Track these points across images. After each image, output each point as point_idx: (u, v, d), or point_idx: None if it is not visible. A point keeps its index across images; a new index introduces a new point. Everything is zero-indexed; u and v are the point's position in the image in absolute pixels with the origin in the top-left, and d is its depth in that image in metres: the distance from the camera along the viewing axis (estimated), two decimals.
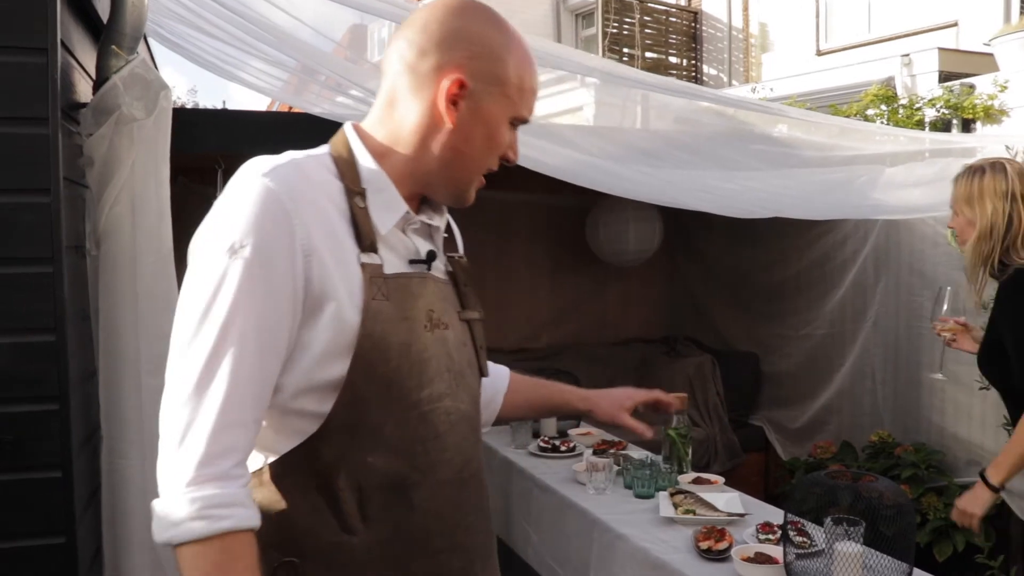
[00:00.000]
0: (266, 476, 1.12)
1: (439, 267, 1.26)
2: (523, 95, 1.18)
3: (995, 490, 2.28)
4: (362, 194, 1.14)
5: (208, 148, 2.86)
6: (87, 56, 2.06)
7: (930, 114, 6.70)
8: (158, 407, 1.05)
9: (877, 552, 1.90)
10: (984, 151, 3.68)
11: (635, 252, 4.95)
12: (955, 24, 9.14)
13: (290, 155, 1.13)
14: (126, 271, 1.98)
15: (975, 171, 2.42)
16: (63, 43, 1.76)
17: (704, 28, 12.21)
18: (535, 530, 2.90)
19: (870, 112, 6.91)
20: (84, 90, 2.02)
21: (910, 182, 3.61)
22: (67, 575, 1.75)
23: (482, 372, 1.31)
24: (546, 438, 3.24)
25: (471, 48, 1.14)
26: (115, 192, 1.94)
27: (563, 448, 3.15)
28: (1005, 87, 6.36)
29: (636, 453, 3.05)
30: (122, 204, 1.95)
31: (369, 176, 1.16)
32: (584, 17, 13.46)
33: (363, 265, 1.11)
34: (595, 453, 3.00)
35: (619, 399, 1.66)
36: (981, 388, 3.23)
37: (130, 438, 2.00)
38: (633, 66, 11.02)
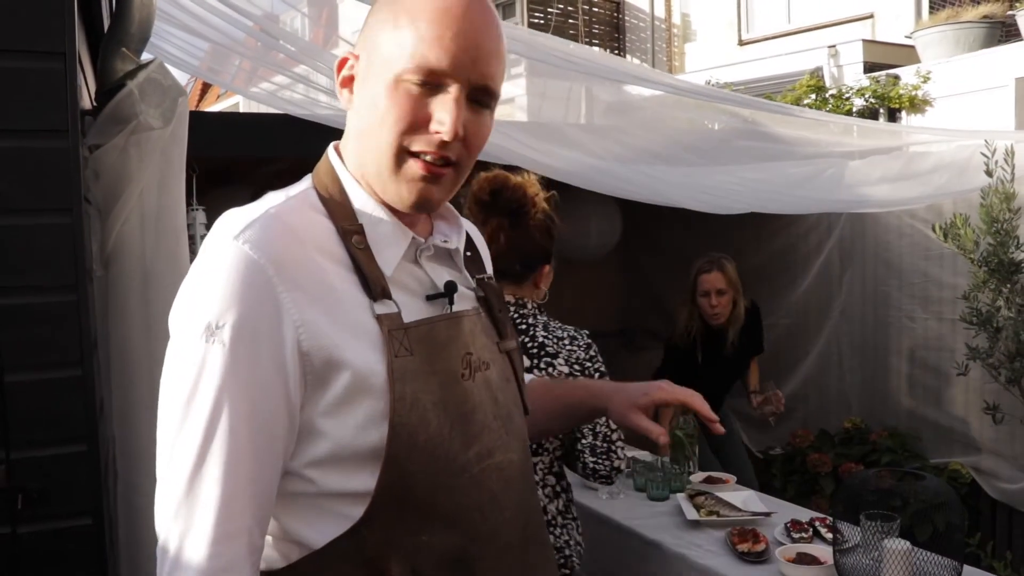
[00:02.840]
0: (303, 572, 0.97)
1: (468, 295, 1.10)
2: (413, 42, 0.94)
3: None
4: (359, 231, 0.99)
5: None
6: (86, 60, 1.89)
7: (858, 103, 6.94)
8: None
9: (923, 550, 1.93)
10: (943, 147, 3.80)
11: (596, 246, 4.96)
12: (871, 16, 9.49)
13: (267, 203, 0.98)
14: (137, 294, 1.83)
15: None
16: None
17: (627, 18, 12.31)
18: None
19: (804, 102, 7.11)
20: (85, 98, 1.85)
21: (875, 176, 3.71)
22: None
23: (526, 409, 1.16)
24: None
25: (364, 25, 1.02)
26: (126, 209, 1.78)
27: None
28: (928, 78, 6.64)
29: (637, 454, 3.03)
30: (133, 221, 1.80)
31: (362, 207, 1.01)
32: (506, 7, 13.40)
33: (379, 317, 0.96)
34: None
35: (633, 396, 1.28)
36: (959, 374, 3.34)
37: (145, 471, 1.85)
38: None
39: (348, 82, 1.01)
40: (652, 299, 5.56)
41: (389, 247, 1.00)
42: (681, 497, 2.52)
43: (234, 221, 0.94)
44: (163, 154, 1.78)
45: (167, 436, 0.92)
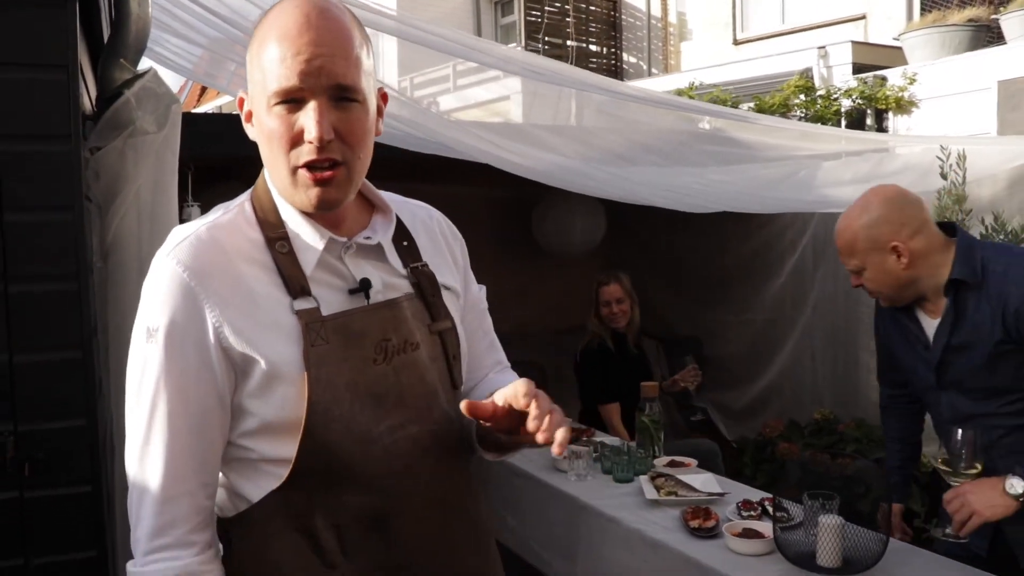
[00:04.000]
0: (248, 520, 1.16)
1: (399, 283, 1.23)
2: (268, 69, 1.07)
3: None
4: (284, 238, 1.15)
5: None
6: (87, 68, 2.05)
7: (846, 104, 7.08)
8: None
9: (855, 525, 2.09)
10: (915, 149, 3.95)
11: (580, 243, 5.11)
12: (863, 17, 9.58)
13: (206, 219, 1.16)
14: (134, 284, 1.99)
15: None
16: None
17: (624, 17, 12.40)
18: (512, 514, 3.02)
19: (792, 102, 7.25)
20: (86, 104, 2.01)
21: (846, 178, 3.86)
22: None
23: (454, 384, 1.26)
24: None
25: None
26: (123, 206, 1.95)
27: None
28: (914, 80, 6.77)
29: (608, 439, 3.20)
30: (130, 217, 1.96)
31: (287, 216, 1.16)
32: (503, 5, 13.51)
33: (298, 312, 1.12)
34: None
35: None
36: None
37: None
38: (561, 55, 11.20)
39: (248, 117, 1.16)
40: (638, 297, 5.71)
41: (308, 249, 1.15)
42: (643, 479, 2.68)
43: (171, 239, 1.13)
44: (157, 156, 1.95)
45: (127, 417, 1.13)
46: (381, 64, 11.87)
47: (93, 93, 2.10)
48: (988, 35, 7.20)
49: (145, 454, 1.10)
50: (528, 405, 1.09)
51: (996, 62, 6.34)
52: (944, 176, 3.08)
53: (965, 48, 6.99)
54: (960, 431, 1.93)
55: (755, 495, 2.59)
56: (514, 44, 11.30)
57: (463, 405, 1.12)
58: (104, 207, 1.97)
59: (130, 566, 1.12)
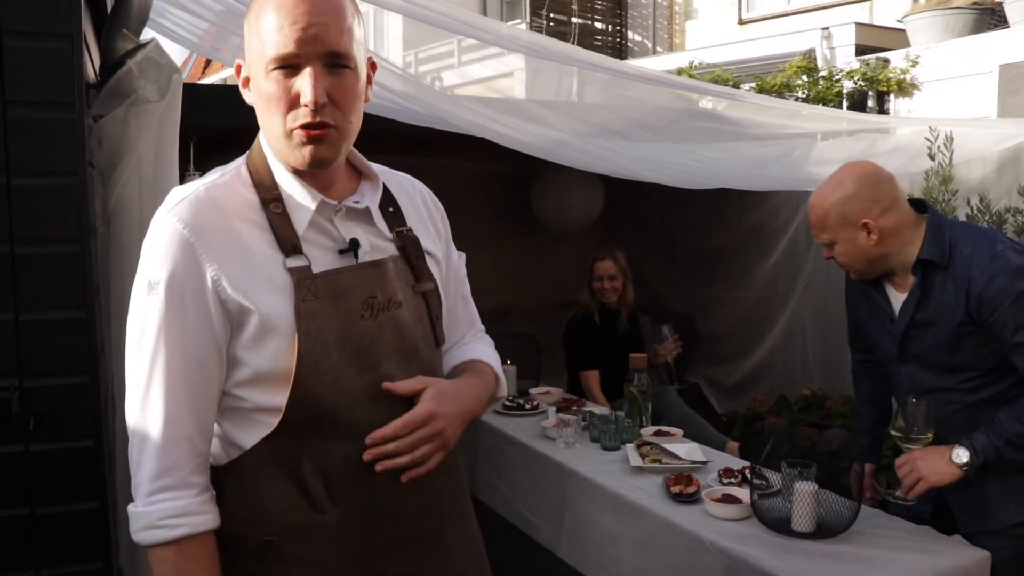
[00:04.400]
0: (240, 467, 1.23)
1: (385, 245, 1.30)
2: (266, 38, 1.15)
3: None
4: (278, 199, 1.22)
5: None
6: (91, 38, 2.10)
7: (848, 86, 7.09)
8: None
9: (827, 491, 2.17)
10: (907, 131, 3.99)
11: (578, 219, 5.17)
12: None
13: (199, 183, 1.23)
14: (136, 248, 2.05)
15: None
16: None
17: None
18: (504, 482, 3.11)
19: (793, 82, 7.26)
20: (90, 72, 2.07)
21: (840, 157, 3.90)
22: (100, 537, 1.85)
23: (437, 342, 1.35)
24: (510, 397, 3.44)
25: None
26: (125, 172, 2.00)
27: (528, 406, 3.36)
28: (916, 62, 6.78)
29: (597, 409, 3.28)
30: (132, 184, 2.02)
31: (281, 179, 1.24)
32: None
33: (290, 270, 1.19)
34: (559, 410, 3.21)
35: None
36: None
37: None
38: (565, 32, 11.18)
39: (246, 83, 1.23)
40: (634, 273, 5.77)
41: (301, 210, 1.23)
42: (629, 447, 2.76)
43: (171, 198, 1.21)
44: (159, 124, 2.00)
45: (127, 369, 1.21)
46: (385, 40, 11.86)
47: (96, 62, 2.16)
48: (991, 19, 7.19)
49: (146, 402, 1.18)
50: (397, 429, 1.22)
51: (998, 46, 6.35)
52: (932, 157, 3.13)
53: (968, 31, 6.99)
54: (915, 401, 2.03)
55: (737, 464, 2.67)
56: (519, 21, 11.27)
57: (385, 385, 1.23)
58: (106, 173, 2.03)
59: (132, 507, 1.19)
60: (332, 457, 1.22)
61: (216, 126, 3.08)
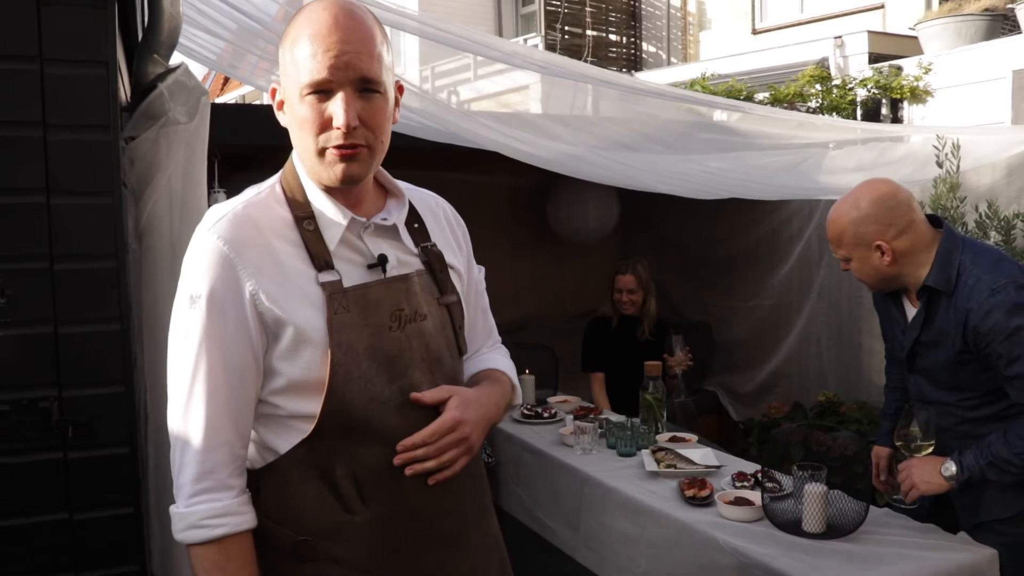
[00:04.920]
0: (276, 470, 1.31)
1: (411, 260, 1.37)
2: (301, 64, 1.22)
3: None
4: (310, 217, 1.30)
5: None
6: (122, 62, 2.20)
7: (861, 93, 7.12)
8: None
9: (838, 491, 2.22)
10: (916, 139, 4.03)
11: (594, 230, 5.23)
12: (882, 6, 9.54)
13: (241, 198, 1.31)
14: (167, 263, 2.15)
15: None
16: None
17: (643, 6, 12.42)
18: (523, 489, 3.17)
19: (806, 91, 7.30)
20: (122, 96, 2.17)
21: (850, 166, 3.95)
22: (136, 540, 1.93)
23: (460, 351, 1.43)
24: (528, 406, 3.50)
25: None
26: (156, 191, 2.10)
27: (546, 415, 3.42)
28: (929, 69, 6.80)
29: (613, 416, 3.34)
30: (162, 202, 2.11)
31: (313, 197, 1.32)
32: None
33: (322, 284, 1.27)
34: (576, 418, 3.27)
35: None
36: None
37: None
38: (580, 45, 11.28)
39: (280, 105, 1.31)
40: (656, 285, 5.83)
41: (332, 227, 1.30)
42: (645, 452, 2.81)
43: (210, 216, 1.28)
44: (188, 145, 2.10)
45: (170, 377, 1.28)
46: (402, 56, 12.00)
47: (127, 85, 2.26)
48: (1004, 24, 7.19)
49: (188, 409, 1.25)
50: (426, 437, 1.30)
51: (1011, 51, 6.36)
52: (940, 165, 3.17)
53: (981, 37, 6.99)
54: (918, 412, 2.13)
55: (750, 468, 2.72)
56: (533, 34, 11.37)
57: (412, 396, 1.30)
58: (138, 192, 2.12)
59: (174, 509, 1.27)
60: (363, 460, 1.29)
61: (237, 144, 3.18)
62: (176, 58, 2.27)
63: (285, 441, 1.30)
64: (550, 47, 10.81)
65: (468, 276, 1.51)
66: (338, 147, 1.23)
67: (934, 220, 2.19)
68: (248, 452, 1.33)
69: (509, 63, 2.89)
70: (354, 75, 1.22)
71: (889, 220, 2.11)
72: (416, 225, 1.41)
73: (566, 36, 11.35)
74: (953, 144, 3.13)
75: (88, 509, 1.88)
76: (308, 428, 1.27)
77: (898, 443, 2.13)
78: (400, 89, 1.36)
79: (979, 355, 2.03)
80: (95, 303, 1.86)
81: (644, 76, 10.36)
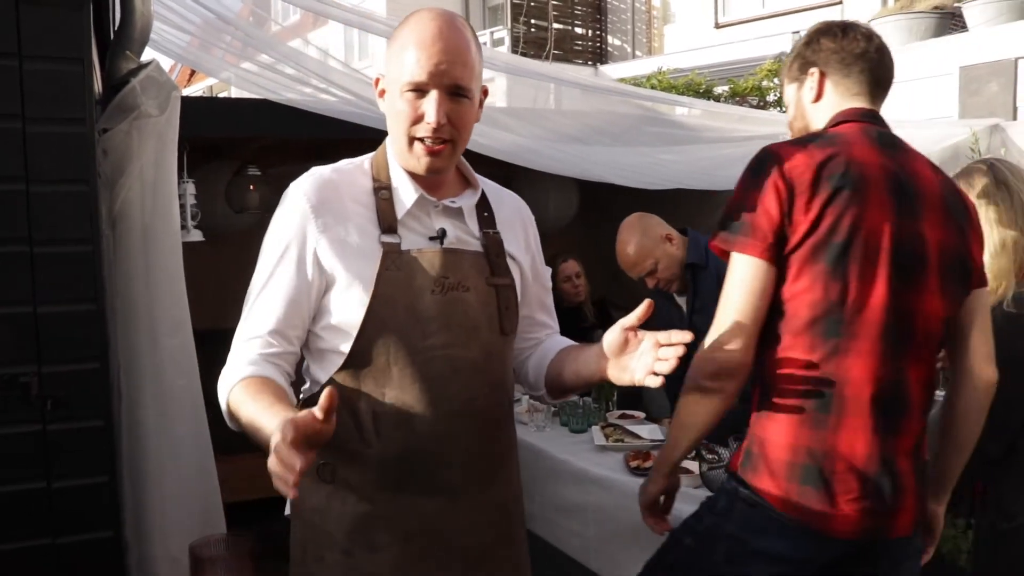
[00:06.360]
0: (315, 399, 1.40)
1: (471, 240, 1.54)
2: (405, 65, 1.41)
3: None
4: (388, 188, 1.51)
5: None
6: (95, 57, 2.31)
7: None
8: (176, 362, 1.60)
9: None
10: None
11: (554, 219, 5.38)
12: (840, 2, 9.77)
13: (328, 167, 1.53)
14: (138, 248, 2.27)
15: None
16: None
17: (609, 0, 12.59)
18: None
19: (764, 84, 7.51)
20: (96, 90, 2.28)
21: None
22: (110, 508, 2.05)
23: (503, 330, 1.55)
24: None
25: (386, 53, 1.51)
26: (129, 180, 2.22)
27: None
28: None
29: None
30: (135, 190, 2.24)
31: (395, 174, 1.52)
32: None
33: (383, 243, 1.46)
34: (532, 398, 3.42)
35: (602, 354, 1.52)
36: None
37: (147, 389, 2.29)
38: (545, 37, 11.41)
39: (381, 94, 1.51)
40: (609, 271, 5.98)
41: (404, 200, 1.50)
42: (595, 428, 2.98)
43: (306, 174, 1.50)
44: (159, 137, 2.22)
45: (249, 291, 1.51)
46: (369, 49, 12.03)
47: (100, 79, 2.37)
48: (952, 22, 7.42)
49: (255, 302, 1.47)
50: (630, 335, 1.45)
51: (958, 49, 6.59)
52: None
53: (931, 35, 7.19)
54: None
55: None
56: (500, 27, 11.48)
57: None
58: (112, 181, 2.24)
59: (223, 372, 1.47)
60: (382, 402, 1.46)
61: (206, 135, 3.29)
62: (146, 53, 2.39)
63: (323, 371, 1.50)
64: (516, 40, 10.91)
65: (532, 271, 1.67)
66: (427, 141, 1.42)
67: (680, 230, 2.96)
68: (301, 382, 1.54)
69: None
70: (448, 81, 1.40)
71: (655, 222, 2.91)
72: (486, 213, 1.58)
73: (532, 29, 11.48)
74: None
75: (65, 478, 2.00)
76: (339, 363, 1.46)
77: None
78: (485, 93, 1.53)
79: None
80: (72, 284, 1.98)
81: (609, 69, 10.53)
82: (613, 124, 3.42)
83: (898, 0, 8.37)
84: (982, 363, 1.72)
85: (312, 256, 1.45)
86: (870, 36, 1.74)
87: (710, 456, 2.61)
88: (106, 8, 2.30)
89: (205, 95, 11.56)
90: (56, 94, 1.93)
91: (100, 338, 2.04)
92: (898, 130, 3.35)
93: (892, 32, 7.39)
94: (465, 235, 1.54)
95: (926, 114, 6.42)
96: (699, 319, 2.65)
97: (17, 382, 1.92)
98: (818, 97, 1.75)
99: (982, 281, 1.74)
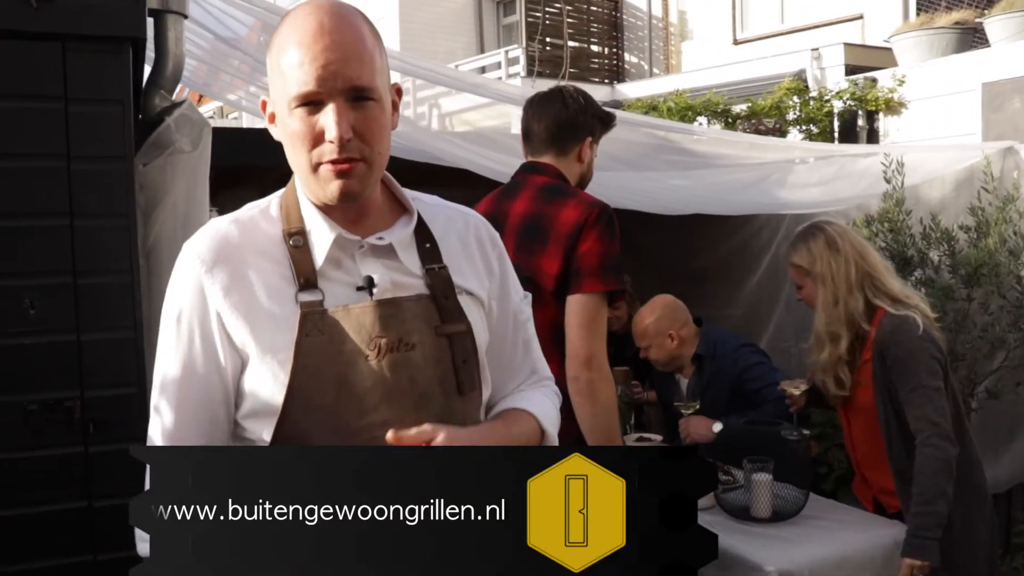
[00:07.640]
0: None
1: (411, 283, 1.24)
2: (288, 75, 1.13)
3: None
4: (301, 232, 1.21)
5: None
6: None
7: (837, 105, 7.33)
8: None
9: (782, 483, 2.47)
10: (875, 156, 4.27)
11: None
12: (860, 17, 9.74)
13: (224, 218, 1.24)
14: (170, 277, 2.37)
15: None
16: None
17: (625, 17, 12.47)
18: None
19: (783, 103, 7.53)
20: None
21: (813, 181, 4.19)
22: None
23: (460, 389, 1.24)
24: None
25: None
26: (163, 213, 2.33)
27: None
28: (903, 81, 6.99)
29: None
30: (168, 223, 2.34)
31: (307, 214, 1.22)
32: (505, 5, 13.62)
33: (300, 303, 1.17)
34: None
35: None
36: None
37: None
38: (561, 56, 11.46)
39: (272, 119, 1.22)
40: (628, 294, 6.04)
41: (320, 245, 1.20)
42: None
43: (199, 231, 1.24)
44: (192, 172, 2.32)
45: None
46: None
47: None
48: (974, 38, 7.40)
49: (153, 412, 1.21)
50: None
51: (981, 64, 6.57)
52: (888, 180, 3.42)
53: (952, 50, 7.16)
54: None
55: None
56: (515, 45, 11.49)
57: (389, 436, 1.10)
58: (147, 214, 2.35)
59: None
60: None
61: (228, 164, 3.38)
62: (185, 97, 2.50)
63: None
64: (531, 59, 10.95)
65: (500, 304, 1.35)
66: (333, 162, 1.13)
67: (697, 320, 3.35)
68: None
69: (481, 95, 3.13)
70: (344, 84, 1.12)
71: (672, 316, 3.29)
72: (427, 245, 1.27)
73: (547, 47, 11.46)
74: (897, 161, 3.38)
75: (106, 498, 2.10)
76: None
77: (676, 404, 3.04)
78: (398, 92, 1.26)
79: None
80: (112, 313, 2.09)
81: (625, 88, 10.57)
82: (626, 151, 3.50)
83: (919, 15, 8.38)
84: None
85: (219, 334, 1.17)
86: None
87: (725, 478, 2.67)
88: (141, 50, 2.41)
89: (214, 116, 11.67)
90: (98, 134, 2.04)
91: (138, 364, 2.14)
92: (912, 154, 3.42)
93: (913, 48, 7.37)
94: (402, 277, 1.24)
95: (949, 131, 6.39)
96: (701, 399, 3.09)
97: (61, 406, 2.03)
98: None
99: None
